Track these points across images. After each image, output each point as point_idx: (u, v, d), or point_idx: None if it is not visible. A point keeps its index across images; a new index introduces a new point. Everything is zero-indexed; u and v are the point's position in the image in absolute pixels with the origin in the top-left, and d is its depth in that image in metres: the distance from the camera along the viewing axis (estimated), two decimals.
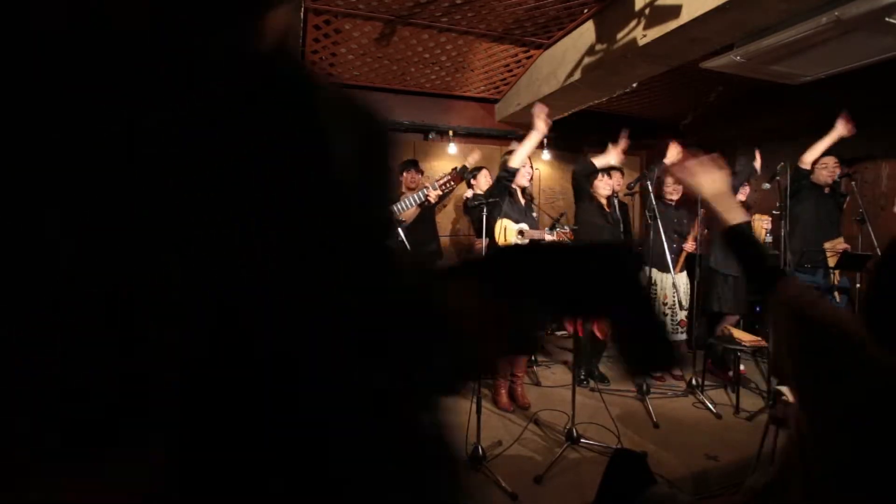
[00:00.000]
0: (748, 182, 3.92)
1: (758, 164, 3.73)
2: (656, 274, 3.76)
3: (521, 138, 4.34)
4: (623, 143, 3.74)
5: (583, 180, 3.64)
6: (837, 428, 0.82)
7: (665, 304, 3.76)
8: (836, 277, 3.55)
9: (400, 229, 2.37)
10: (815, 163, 3.57)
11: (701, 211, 3.70)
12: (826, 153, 3.59)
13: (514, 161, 3.08)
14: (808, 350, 0.88)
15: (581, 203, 3.66)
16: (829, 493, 0.83)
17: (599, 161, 3.54)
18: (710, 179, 1.24)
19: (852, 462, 0.80)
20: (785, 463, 0.93)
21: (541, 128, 2.97)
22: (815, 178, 3.59)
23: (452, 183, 2.79)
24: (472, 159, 4.05)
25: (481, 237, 2.90)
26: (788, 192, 3.46)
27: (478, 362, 0.58)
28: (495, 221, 3.03)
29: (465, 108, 4.91)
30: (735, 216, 1.18)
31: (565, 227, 3.16)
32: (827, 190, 3.60)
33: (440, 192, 2.73)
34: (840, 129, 3.40)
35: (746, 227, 1.19)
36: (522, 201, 3.28)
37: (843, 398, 0.81)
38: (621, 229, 3.82)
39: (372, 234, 0.49)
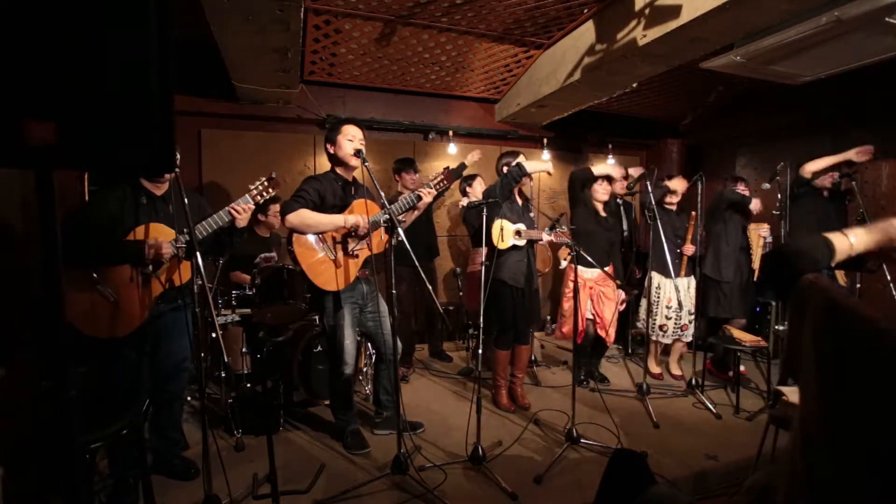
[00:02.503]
0: (744, 181, 3.92)
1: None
2: (659, 278, 3.76)
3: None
4: (635, 172, 3.83)
5: (578, 186, 3.61)
6: (861, 426, 0.80)
7: (668, 308, 3.76)
8: (841, 279, 3.54)
9: (400, 229, 2.36)
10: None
11: (693, 214, 3.70)
12: (813, 154, 3.58)
13: (528, 165, 3.10)
14: (843, 339, 0.85)
15: (576, 209, 3.65)
16: (835, 495, 0.82)
17: (598, 170, 3.53)
18: None
19: (868, 463, 0.79)
20: (788, 465, 0.92)
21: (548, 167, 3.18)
22: (815, 181, 3.58)
23: (445, 182, 2.80)
24: (472, 158, 4.06)
25: (479, 245, 2.88)
26: (788, 195, 3.46)
27: None
28: (493, 222, 3.02)
29: (465, 108, 4.91)
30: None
31: (563, 227, 3.15)
32: (826, 193, 3.60)
33: (435, 192, 2.74)
34: (853, 156, 3.39)
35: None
36: (520, 202, 3.27)
37: (876, 390, 0.79)
38: (621, 230, 3.82)
39: None
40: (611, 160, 5.44)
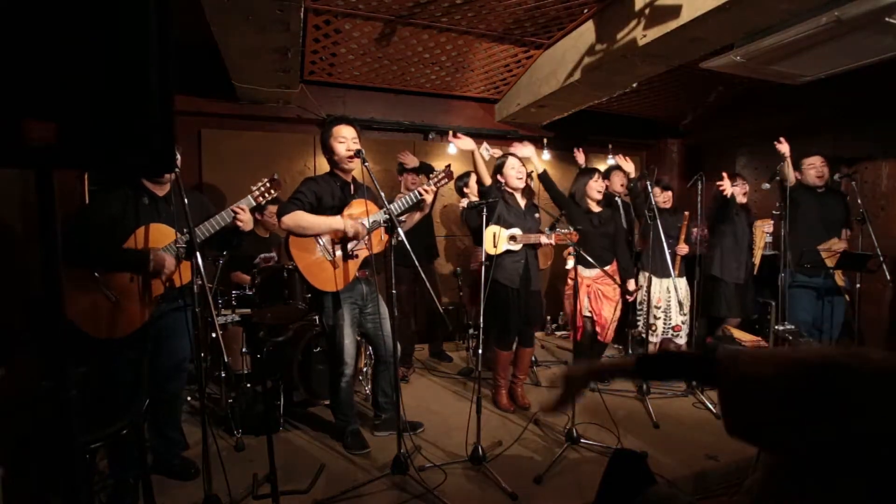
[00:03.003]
0: (743, 178, 3.93)
1: (738, 190, 3.75)
2: (651, 277, 3.76)
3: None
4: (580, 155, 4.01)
5: (552, 188, 3.57)
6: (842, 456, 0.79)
7: (658, 308, 3.76)
8: (839, 279, 3.54)
9: (400, 229, 2.36)
10: (800, 171, 3.57)
11: (686, 213, 3.70)
12: (818, 153, 3.58)
13: (482, 179, 3.19)
14: (799, 389, 0.83)
15: (567, 210, 3.61)
16: (818, 492, 0.82)
17: (537, 165, 3.52)
18: (577, 377, 1.21)
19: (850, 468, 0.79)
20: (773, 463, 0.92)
21: (468, 146, 3.08)
22: (805, 180, 3.58)
23: (446, 180, 2.80)
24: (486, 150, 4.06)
25: (480, 245, 2.89)
26: (788, 193, 3.46)
27: None
28: (491, 222, 3.02)
29: (465, 108, 4.91)
30: (627, 361, 1.14)
31: (568, 229, 3.14)
32: (822, 190, 3.59)
33: (435, 190, 2.73)
34: (783, 149, 3.41)
35: (645, 359, 1.15)
36: (522, 203, 3.25)
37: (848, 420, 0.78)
38: (621, 225, 3.82)
39: None
40: (611, 160, 5.44)
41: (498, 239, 3.05)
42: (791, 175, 3.50)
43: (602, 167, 4.36)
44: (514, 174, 3.20)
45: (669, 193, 3.84)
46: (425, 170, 4.09)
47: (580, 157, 4.06)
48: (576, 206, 3.60)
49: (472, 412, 2.60)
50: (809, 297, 3.57)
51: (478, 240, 3.37)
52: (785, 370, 0.84)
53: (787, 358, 0.86)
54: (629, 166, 3.80)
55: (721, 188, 3.60)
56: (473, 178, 3.98)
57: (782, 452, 0.90)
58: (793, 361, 0.84)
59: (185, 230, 2.12)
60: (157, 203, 2.28)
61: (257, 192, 2.41)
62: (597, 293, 3.59)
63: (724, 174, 3.63)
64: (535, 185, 3.91)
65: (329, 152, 2.63)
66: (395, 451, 2.36)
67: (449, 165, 2.92)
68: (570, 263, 3.77)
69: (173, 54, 0.78)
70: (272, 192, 2.44)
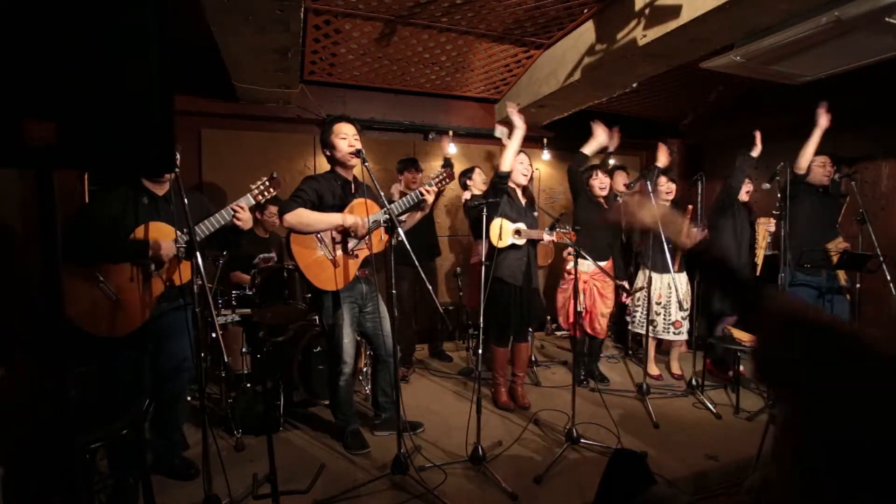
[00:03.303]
0: (750, 178, 3.92)
1: (756, 150, 3.71)
2: (651, 273, 3.76)
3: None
4: (615, 136, 3.81)
5: (577, 176, 3.63)
6: (844, 427, 0.80)
7: (658, 304, 3.76)
8: (842, 278, 3.54)
9: (400, 229, 2.36)
10: (809, 164, 3.56)
11: (689, 207, 3.70)
12: (819, 153, 3.58)
13: (503, 164, 3.08)
14: (816, 351, 0.85)
15: (578, 199, 3.67)
16: (823, 490, 0.83)
17: (588, 148, 3.52)
18: (645, 210, 1.24)
19: (853, 459, 0.79)
20: (776, 461, 0.93)
21: (520, 125, 3.04)
22: (811, 178, 3.58)
23: (448, 180, 2.79)
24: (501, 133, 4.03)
25: (480, 238, 2.89)
26: (788, 193, 3.46)
27: None
28: (491, 222, 3.02)
29: (465, 108, 4.91)
30: (688, 239, 1.16)
31: (567, 228, 3.15)
32: (821, 190, 3.59)
33: (436, 190, 2.72)
34: (822, 123, 3.38)
35: (705, 248, 1.16)
36: (523, 201, 3.27)
37: (853, 393, 0.79)
38: (623, 225, 3.83)
39: None
40: (611, 161, 5.44)
41: (503, 231, 3.06)
42: (809, 155, 3.47)
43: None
44: (521, 169, 3.22)
45: (673, 185, 3.83)
46: (449, 164, 4.11)
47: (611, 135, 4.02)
48: (586, 198, 3.62)
49: (472, 412, 2.60)
50: (810, 296, 3.57)
51: (477, 233, 3.37)
52: (825, 327, 0.86)
53: (830, 320, 0.88)
54: (665, 159, 3.78)
55: (756, 138, 3.64)
56: (477, 172, 4.00)
57: (795, 397, 0.91)
58: (835, 323, 0.86)
59: (184, 229, 2.12)
60: (157, 202, 2.28)
61: (256, 191, 2.41)
62: (592, 289, 3.60)
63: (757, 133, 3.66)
64: (536, 185, 3.91)
65: (330, 149, 2.63)
66: (395, 451, 2.36)
67: (450, 164, 2.92)
68: (571, 265, 3.77)
69: (173, 54, 0.78)
70: (271, 190, 2.44)
